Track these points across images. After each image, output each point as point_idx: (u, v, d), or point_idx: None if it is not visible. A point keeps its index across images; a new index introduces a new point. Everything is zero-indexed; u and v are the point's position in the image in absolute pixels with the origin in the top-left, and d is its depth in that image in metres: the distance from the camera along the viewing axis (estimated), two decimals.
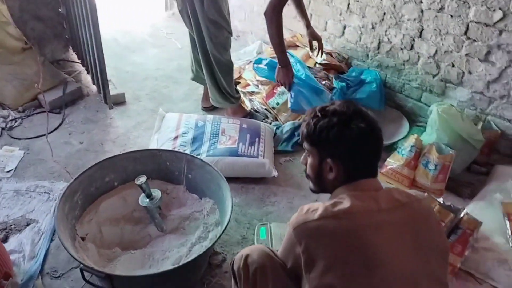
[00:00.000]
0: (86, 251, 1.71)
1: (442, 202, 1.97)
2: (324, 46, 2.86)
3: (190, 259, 1.56)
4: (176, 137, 2.38)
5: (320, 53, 2.82)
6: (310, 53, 2.94)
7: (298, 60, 2.79)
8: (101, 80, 2.67)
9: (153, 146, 2.40)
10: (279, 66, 2.53)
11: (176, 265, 1.55)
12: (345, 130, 1.16)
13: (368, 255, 1.05)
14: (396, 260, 1.06)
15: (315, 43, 2.79)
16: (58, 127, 2.64)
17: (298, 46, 3.08)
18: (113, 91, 2.82)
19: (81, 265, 1.49)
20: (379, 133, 1.20)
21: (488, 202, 2.14)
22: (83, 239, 1.77)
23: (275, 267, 1.22)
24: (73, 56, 3.24)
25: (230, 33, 2.50)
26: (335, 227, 1.08)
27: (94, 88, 2.97)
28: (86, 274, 1.54)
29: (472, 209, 2.10)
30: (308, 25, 2.76)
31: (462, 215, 1.95)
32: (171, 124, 2.47)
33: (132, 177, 1.97)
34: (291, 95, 2.58)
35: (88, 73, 2.97)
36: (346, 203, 1.10)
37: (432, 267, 1.11)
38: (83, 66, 3.04)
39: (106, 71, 2.64)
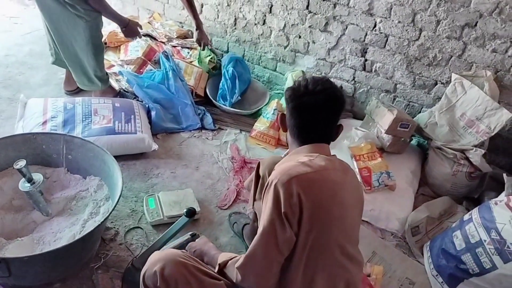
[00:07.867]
0: None
1: None
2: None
3: (87, 232, 1.57)
4: (45, 122, 2.27)
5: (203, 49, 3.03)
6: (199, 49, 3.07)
7: (172, 68, 2.77)
8: None
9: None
10: (123, 28, 2.54)
11: (77, 238, 1.54)
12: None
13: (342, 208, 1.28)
14: (350, 212, 1.33)
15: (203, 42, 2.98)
16: None
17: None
18: None
19: None
20: (315, 98, 1.32)
21: (338, 149, 2.54)
22: None
23: (195, 275, 1.29)
24: None
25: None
26: (323, 179, 1.26)
27: None
28: None
29: None
30: (198, 26, 2.90)
31: None
32: (36, 109, 2.33)
33: (5, 165, 1.89)
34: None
35: None
36: (320, 160, 1.29)
37: (358, 218, 1.41)
38: None
39: None
